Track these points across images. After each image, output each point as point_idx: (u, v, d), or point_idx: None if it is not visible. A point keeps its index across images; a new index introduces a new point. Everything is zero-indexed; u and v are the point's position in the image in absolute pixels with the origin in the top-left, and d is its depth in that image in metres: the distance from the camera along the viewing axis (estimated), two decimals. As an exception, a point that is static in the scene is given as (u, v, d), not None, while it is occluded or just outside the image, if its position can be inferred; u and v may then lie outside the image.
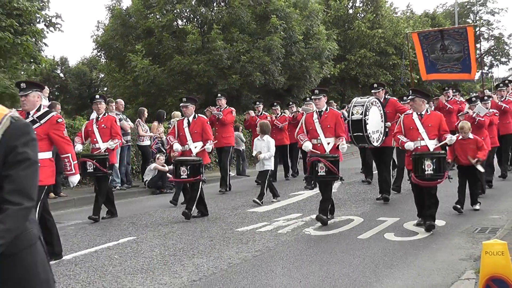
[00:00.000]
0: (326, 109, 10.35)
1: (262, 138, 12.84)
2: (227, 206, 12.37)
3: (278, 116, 16.94)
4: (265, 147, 12.63)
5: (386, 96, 12.56)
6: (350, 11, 37.93)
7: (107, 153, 11.28)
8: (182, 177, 10.97)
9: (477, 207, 10.59)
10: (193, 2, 26.49)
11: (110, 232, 10.27)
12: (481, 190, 11.85)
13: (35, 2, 17.77)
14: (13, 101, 22.56)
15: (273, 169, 13.20)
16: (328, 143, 10.05)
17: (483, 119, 11.81)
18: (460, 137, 10.38)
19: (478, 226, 9.40)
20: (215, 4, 27.20)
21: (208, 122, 12.18)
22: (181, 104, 11.75)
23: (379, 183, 12.32)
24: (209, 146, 11.42)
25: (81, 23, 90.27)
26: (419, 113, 9.40)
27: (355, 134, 11.36)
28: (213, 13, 26.53)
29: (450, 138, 9.18)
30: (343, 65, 33.64)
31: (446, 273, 6.89)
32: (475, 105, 12.33)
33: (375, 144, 11.40)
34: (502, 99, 14.37)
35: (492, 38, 63.91)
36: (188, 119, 11.47)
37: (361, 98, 12.03)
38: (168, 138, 12.02)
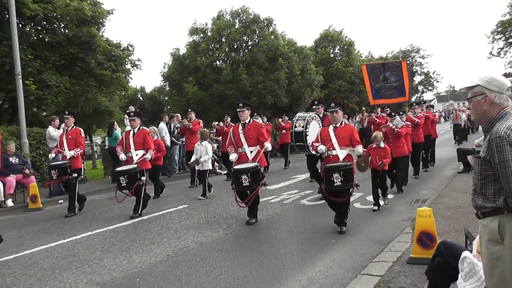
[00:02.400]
0: (249, 121, 8.26)
1: (201, 144, 10.99)
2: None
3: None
4: (204, 151, 10.93)
5: (325, 112, 10.15)
6: (331, 55, 37.76)
7: (69, 162, 9.48)
8: (122, 185, 8.80)
9: (386, 202, 8.80)
10: (226, 49, 26.62)
11: (171, 201, 10.40)
12: (405, 181, 10.79)
13: (125, 51, 18.15)
14: (110, 116, 23.01)
15: (211, 168, 11.30)
16: (251, 152, 8.08)
17: (400, 130, 10.39)
18: (374, 145, 8.73)
19: (414, 198, 9.37)
20: (241, 50, 27.31)
21: (148, 133, 9.65)
22: (129, 118, 9.72)
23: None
24: (148, 156, 9.22)
25: (154, 64, 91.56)
26: (334, 125, 7.43)
27: (297, 143, 9.76)
28: (240, 56, 26.61)
29: (358, 150, 7.19)
30: (326, 91, 33.48)
31: (394, 229, 6.93)
32: (394, 119, 10.91)
33: (314, 152, 9.15)
34: (415, 115, 12.67)
35: (423, 74, 66.71)
36: (133, 131, 9.38)
37: (303, 113, 10.17)
38: (117, 148, 9.86)
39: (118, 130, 14.15)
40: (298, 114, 10.36)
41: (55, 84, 14.86)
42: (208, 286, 4.95)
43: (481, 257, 2.97)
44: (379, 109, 15.06)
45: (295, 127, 9.76)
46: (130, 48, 18.55)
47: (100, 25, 17.19)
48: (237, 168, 7.78)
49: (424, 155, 13.50)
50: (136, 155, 9.19)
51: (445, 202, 8.28)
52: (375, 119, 14.37)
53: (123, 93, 25.97)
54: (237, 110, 8.26)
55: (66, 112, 10.27)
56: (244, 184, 7.62)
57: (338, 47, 38.21)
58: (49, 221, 8.87)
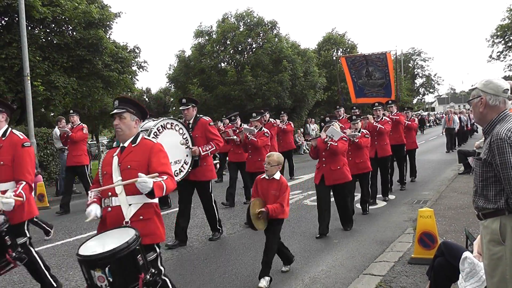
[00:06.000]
0: (4, 134, 4.59)
1: None
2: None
3: None
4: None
5: (198, 115, 6.81)
6: (334, 57, 37.72)
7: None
8: None
9: (287, 269, 5.21)
10: (231, 51, 26.66)
11: (176, 201, 10.34)
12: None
13: (131, 53, 18.24)
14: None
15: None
16: (4, 191, 4.11)
17: (336, 144, 6.58)
18: (264, 175, 4.98)
19: (415, 199, 9.34)
20: (245, 52, 27.33)
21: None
22: None
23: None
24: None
25: (159, 66, 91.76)
26: (121, 145, 3.58)
27: None
28: (244, 58, 26.65)
29: (141, 183, 3.09)
30: (329, 93, 33.48)
31: (395, 229, 6.92)
32: (329, 126, 6.77)
33: (177, 178, 5.93)
34: (378, 119, 9.11)
35: (424, 77, 67.07)
36: None
37: (153, 121, 6.22)
38: None
39: None
40: (142, 123, 5.13)
41: (63, 85, 14.98)
42: (211, 285, 4.94)
43: (482, 257, 2.96)
44: (341, 110, 11.54)
45: None
46: (136, 50, 18.62)
47: (107, 28, 17.28)
48: None
49: (399, 170, 10.68)
50: None
51: (446, 203, 8.25)
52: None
53: (129, 94, 26.04)
54: None
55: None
56: None
57: (341, 49, 38.15)
58: (55, 220, 8.89)
